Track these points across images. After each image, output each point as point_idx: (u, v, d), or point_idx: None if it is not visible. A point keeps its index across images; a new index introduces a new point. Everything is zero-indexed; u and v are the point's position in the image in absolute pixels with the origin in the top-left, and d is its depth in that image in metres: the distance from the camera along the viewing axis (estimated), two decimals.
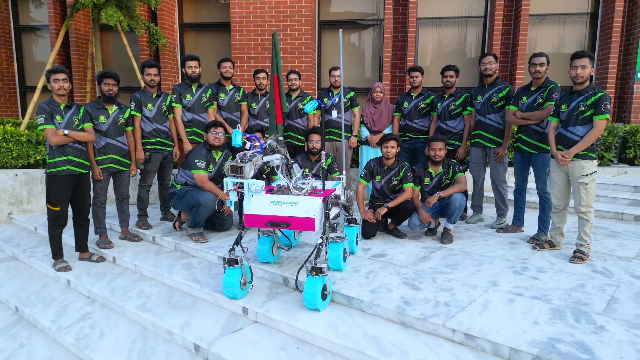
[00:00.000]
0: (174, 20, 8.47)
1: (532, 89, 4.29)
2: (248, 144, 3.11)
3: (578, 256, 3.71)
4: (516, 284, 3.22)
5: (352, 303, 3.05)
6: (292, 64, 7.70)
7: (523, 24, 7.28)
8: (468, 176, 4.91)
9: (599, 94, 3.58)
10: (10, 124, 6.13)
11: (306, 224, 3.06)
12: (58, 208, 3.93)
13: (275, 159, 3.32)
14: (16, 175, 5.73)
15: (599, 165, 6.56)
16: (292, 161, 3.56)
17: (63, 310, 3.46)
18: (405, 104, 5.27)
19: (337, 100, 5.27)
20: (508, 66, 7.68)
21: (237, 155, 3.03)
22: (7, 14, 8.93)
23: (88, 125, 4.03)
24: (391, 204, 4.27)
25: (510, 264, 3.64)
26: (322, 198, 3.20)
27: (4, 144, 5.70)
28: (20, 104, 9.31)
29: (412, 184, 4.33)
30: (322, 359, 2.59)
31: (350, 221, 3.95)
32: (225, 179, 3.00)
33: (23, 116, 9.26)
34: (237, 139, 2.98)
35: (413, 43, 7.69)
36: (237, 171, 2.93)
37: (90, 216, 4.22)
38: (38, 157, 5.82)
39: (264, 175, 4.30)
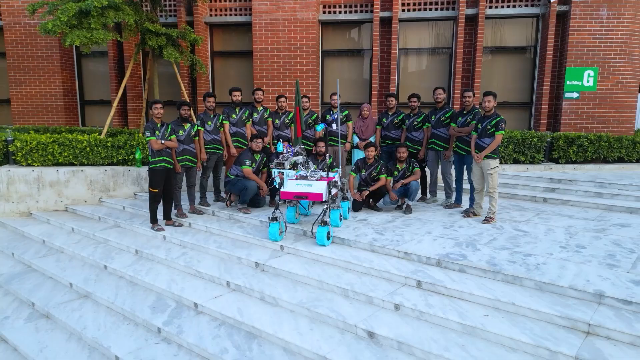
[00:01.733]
0: (207, 48, 10.68)
1: (465, 112, 6.50)
2: (284, 150, 5.33)
3: (487, 219, 5.93)
4: (442, 233, 5.43)
5: (344, 242, 5.26)
6: (302, 84, 9.91)
7: (478, 55, 9.51)
8: (427, 171, 7.15)
9: (498, 118, 5.80)
10: (97, 133, 8.35)
11: (317, 197, 5.27)
12: (156, 190, 6.14)
13: (299, 159, 5.53)
14: (105, 170, 7.95)
15: (531, 163, 8.78)
16: (309, 160, 5.78)
17: (170, 251, 5.68)
18: (384, 119, 7.48)
19: (335, 117, 7.47)
20: (469, 87, 9.90)
21: (279, 156, 5.25)
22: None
23: (173, 137, 6.23)
24: (371, 189, 6.48)
25: (443, 224, 5.87)
26: (326, 182, 5.42)
27: (95, 147, 7.93)
28: (80, 115, 11.53)
29: (385, 175, 6.53)
30: (327, 267, 4.81)
31: (344, 198, 6.16)
32: (273, 169, 5.22)
33: (83, 124, 11.48)
34: (280, 147, 5.21)
35: (395, 68, 9.92)
36: (281, 165, 5.15)
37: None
38: (120, 157, 8.04)
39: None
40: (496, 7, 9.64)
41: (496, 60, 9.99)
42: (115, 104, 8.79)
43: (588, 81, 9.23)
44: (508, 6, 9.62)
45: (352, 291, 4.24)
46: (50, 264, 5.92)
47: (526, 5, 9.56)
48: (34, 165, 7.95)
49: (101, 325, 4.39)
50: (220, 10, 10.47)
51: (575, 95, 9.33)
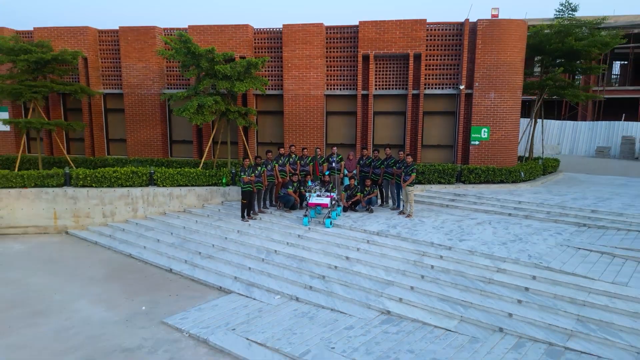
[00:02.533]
0: (254, 107, 16.96)
1: (399, 162, 12.80)
2: (311, 184, 11.67)
3: (408, 215, 12.23)
4: (384, 221, 11.73)
5: (339, 226, 11.57)
6: (313, 133, 16.17)
7: (420, 117, 15.81)
8: (383, 190, 13.52)
9: (413, 166, 12.11)
10: (190, 167, 14.66)
11: (325, 205, 11.61)
12: (245, 201, 12.44)
13: (316, 186, 11.88)
14: (205, 189, 14.26)
15: (448, 183, 15.06)
16: (322, 187, 12.10)
17: (255, 229, 11.97)
18: (360, 161, 13.77)
19: (334, 159, 13.73)
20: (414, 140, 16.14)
21: (308, 184, 11.60)
22: (164, 102, 17.36)
23: (252, 175, 12.50)
24: (352, 200, 12.78)
25: (386, 218, 12.17)
26: (329, 197, 11.74)
27: (200, 176, 14.22)
28: (170, 149, 17.81)
29: (359, 193, 12.81)
30: (330, 236, 11.11)
31: (339, 205, 12.48)
32: (307, 194, 11.56)
33: (171, 155, 17.75)
34: (309, 182, 11.55)
35: (371, 123, 16.21)
36: (311, 190, 11.49)
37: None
38: (212, 181, 14.34)
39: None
40: (431, 88, 15.95)
41: (432, 120, 16.27)
42: (206, 150, 15.11)
43: (484, 134, 15.52)
44: (438, 88, 15.92)
45: (340, 244, 10.55)
46: (196, 236, 12.21)
47: (449, 88, 15.86)
48: (166, 186, 14.25)
49: (235, 258, 10.68)
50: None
51: (477, 142, 15.61)
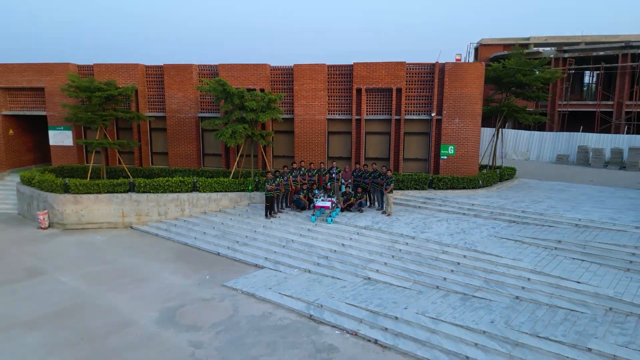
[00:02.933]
0: (271, 130, 21.33)
1: (381, 174, 17.22)
2: (317, 192, 16.12)
3: (388, 214, 16.67)
4: (370, 219, 16.17)
5: (337, 222, 16.01)
6: (316, 149, 20.57)
7: (401, 136, 20.22)
8: (371, 195, 17.99)
9: (392, 177, 16.55)
10: (221, 177, 19.09)
11: (327, 207, 16.06)
12: (268, 204, 16.89)
13: (321, 193, 16.31)
14: (236, 194, 18.70)
15: (422, 189, 19.46)
16: (324, 193, 16.53)
17: (276, 224, 16.42)
18: (354, 173, 18.18)
19: (335, 170, 18.13)
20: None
21: (314, 192, 16.04)
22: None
23: (273, 184, 16.92)
24: (347, 203, 17.22)
25: (372, 216, 16.61)
26: (330, 201, 16.18)
27: (231, 184, 18.65)
28: (202, 161, 22.21)
29: (353, 198, 17.25)
30: (331, 229, 15.55)
31: (337, 207, 16.92)
32: (314, 199, 16.00)
33: (203, 166, 22.14)
34: (316, 191, 16.00)
35: (363, 142, 20.61)
36: (317, 196, 15.93)
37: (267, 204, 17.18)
38: (241, 188, 18.77)
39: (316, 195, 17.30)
40: (410, 114, 20.35)
41: (410, 139, 20.68)
42: (235, 163, 19.54)
43: (451, 151, 19.93)
44: (415, 115, 20.32)
45: (338, 235, 15.00)
46: (233, 230, 16.66)
47: (423, 114, 20.26)
48: (205, 192, 18.69)
49: (264, 245, 15.13)
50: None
51: (445, 157, 20.03)
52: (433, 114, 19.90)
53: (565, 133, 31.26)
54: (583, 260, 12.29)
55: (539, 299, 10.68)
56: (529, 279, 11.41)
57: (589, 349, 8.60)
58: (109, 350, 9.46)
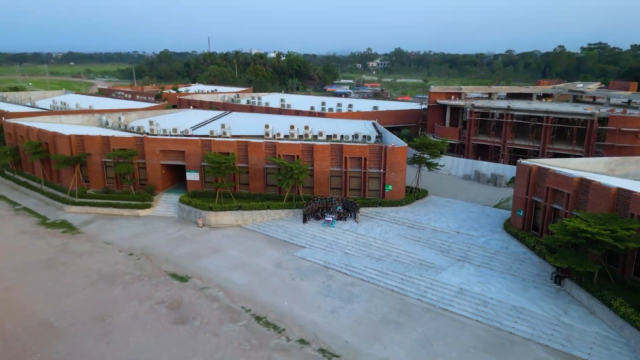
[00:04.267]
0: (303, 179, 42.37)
1: (355, 200, 38.55)
2: (326, 211, 37.61)
3: (356, 221, 38.18)
4: (348, 226, 37.66)
5: (335, 227, 37.48)
6: (324, 185, 41.70)
7: (366, 179, 41.42)
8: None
9: (358, 203, 37.95)
10: (277, 200, 40.44)
11: (330, 220, 37.57)
12: (304, 216, 38.29)
13: (327, 213, 37.80)
14: (288, 210, 40.09)
15: (374, 207, 40.87)
16: (329, 213, 37.96)
17: (305, 226, 37.94)
18: (342, 199, 39.46)
19: (334, 200, 39.34)
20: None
21: (324, 212, 37.55)
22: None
23: (308, 206, 38.27)
24: (340, 217, 38.65)
25: (350, 225, 38.14)
26: (332, 217, 37.64)
27: (280, 205, 40.00)
28: (265, 190, 43.39)
29: (342, 214, 38.61)
30: (334, 232, 37.05)
31: (335, 219, 38.36)
32: (325, 214, 37.50)
33: (266, 191, 43.36)
34: (325, 211, 37.51)
35: (347, 183, 41.80)
36: (325, 214, 37.43)
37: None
38: (289, 207, 40.13)
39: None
40: (371, 169, 41.41)
41: (372, 180, 41.83)
42: (287, 194, 40.89)
43: (390, 187, 41.12)
44: (373, 169, 41.38)
45: (335, 234, 36.55)
46: (289, 228, 38.09)
47: (377, 169, 41.31)
48: (273, 209, 39.99)
49: (304, 237, 36.71)
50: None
51: (388, 190, 41.26)
52: (381, 170, 40.95)
53: (470, 160, 52.23)
54: (425, 246, 33.97)
55: (402, 259, 32.39)
56: (401, 252, 33.09)
57: (406, 276, 30.32)
58: (269, 273, 31.04)
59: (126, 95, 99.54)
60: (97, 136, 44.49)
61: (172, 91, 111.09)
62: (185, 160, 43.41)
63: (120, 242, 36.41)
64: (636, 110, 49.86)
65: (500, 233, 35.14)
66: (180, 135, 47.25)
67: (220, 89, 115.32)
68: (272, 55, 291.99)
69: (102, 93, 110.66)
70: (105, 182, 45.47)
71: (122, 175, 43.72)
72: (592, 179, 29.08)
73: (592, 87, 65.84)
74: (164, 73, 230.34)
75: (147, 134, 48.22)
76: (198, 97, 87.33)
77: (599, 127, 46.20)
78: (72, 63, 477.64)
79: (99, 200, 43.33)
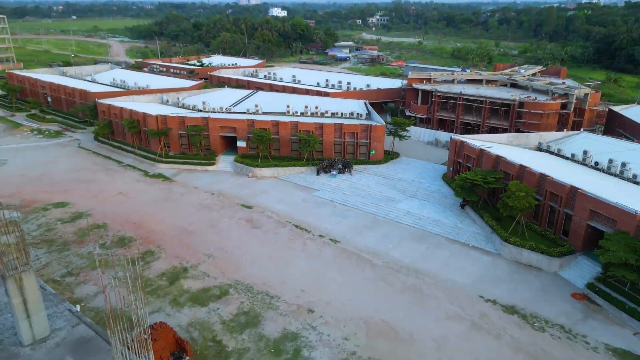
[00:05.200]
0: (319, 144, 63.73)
1: (350, 160, 60.31)
2: (332, 169, 59.46)
3: (351, 174, 60.01)
4: (346, 177, 59.53)
5: (337, 178, 59.34)
6: (330, 150, 63.20)
7: (358, 145, 62.89)
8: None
9: (351, 162, 59.76)
10: (299, 160, 62.18)
11: (334, 173, 59.48)
12: (317, 170, 60.12)
13: (332, 169, 59.65)
14: (306, 167, 61.89)
15: (363, 164, 62.57)
16: (333, 168, 59.79)
17: (322, 178, 59.84)
18: (342, 160, 61.12)
19: (336, 160, 60.90)
20: None
21: (331, 169, 59.40)
22: None
23: (320, 163, 59.97)
24: (340, 171, 60.49)
25: (347, 176, 60.08)
26: (336, 171, 59.50)
27: (301, 163, 61.76)
28: (290, 153, 64.97)
29: (341, 169, 60.36)
30: (335, 180, 58.94)
31: (337, 173, 60.18)
32: (331, 170, 59.35)
33: (290, 154, 64.87)
34: (332, 168, 59.35)
35: (345, 148, 63.23)
36: (331, 169, 59.30)
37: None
38: (307, 164, 61.91)
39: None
40: (360, 140, 62.75)
41: (360, 147, 63.24)
42: (306, 155, 62.51)
43: (373, 152, 62.60)
44: (362, 140, 62.69)
45: (336, 182, 58.51)
46: (308, 178, 59.98)
47: (364, 140, 62.65)
48: (297, 167, 61.67)
49: (317, 184, 58.67)
50: None
51: (372, 153, 62.77)
52: (367, 140, 62.24)
53: (433, 130, 73.29)
54: (391, 189, 56.02)
55: (376, 196, 54.52)
56: (377, 192, 55.21)
57: (378, 205, 52.55)
58: (298, 204, 53.22)
59: (161, 69, 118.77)
60: (176, 116, 65.41)
61: (197, 63, 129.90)
62: (236, 133, 64.52)
63: (203, 187, 58.33)
64: (546, 95, 70.38)
65: (439, 181, 57.11)
66: (230, 113, 68.33)
67: (239, 62, 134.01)
68: (274, 13, 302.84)
69: (139, 66, 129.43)
70: (181, 147, 66.77)
71: (194, 143, 65.02)
72: (486, 149, 50.50)
73: (533, 71, 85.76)
74: (174, 34, 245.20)
75: (203, 110, 69.12)
76: (225, 74, 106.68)
77: (518, 109, 67.06)
78: (74, 17, 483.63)
79: (179, 160, 64.93)
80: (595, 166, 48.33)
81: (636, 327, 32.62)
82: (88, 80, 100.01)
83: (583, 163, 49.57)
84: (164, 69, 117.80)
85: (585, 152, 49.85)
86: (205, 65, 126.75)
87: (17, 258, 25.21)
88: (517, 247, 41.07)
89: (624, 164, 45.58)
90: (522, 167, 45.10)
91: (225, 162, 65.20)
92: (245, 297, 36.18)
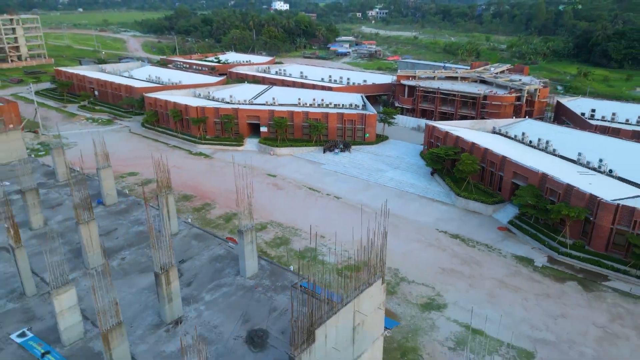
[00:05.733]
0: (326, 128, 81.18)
1: (349, 142, 77.86)
2: (335, 148, 77.06)
3: (349, 152, 77.60)
4: (347, 154, 77.16)
5: (339, 155, 76.91)
6: (334, 134, 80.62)
7: (356, 130, 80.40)
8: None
9: (350, 143, 77.37)
10: (309, 142, 79.77)
11: (336, 151, 77.09)
12: (324, 149, 77.70)
13: (336, 148, 77.20)
14: (314, 147, 79.50)
15: (359, 145, 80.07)
16: (335, 147, 77.36)
17: (329, 156, 77.47)
18: (343, 141, 78.63)
19: (338, 141, 78.33)
20: None
21: (335, 149, 77.04)
22: None
23: (327, 144, 77.54)
24: (341, 149, 78.03)
25: (347, 154, 77.64)
26: (339, 149, 77.05)
27: (310, 144, 79.37)
28: (302, 136, 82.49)
29: (342, 148, 77.86)
30: (340, 157, 76.52)
31: (339, 151, 77.72)
32: (335, 149, 76.93)
33: (302, 136, 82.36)
34: (335, 148, 76.98)
35: (345, 132, 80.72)
36: (335, 148, 76.91)
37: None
38: (315, 145, 79.44)
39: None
40: (356, 125, 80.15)
41: (357, 131, 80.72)
42: (315, 138, 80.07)
43: (367, 135, 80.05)
44: (358, 125, 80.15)
45: (340, 158, 76.13)
46: (316, 155, 77.50)
47: (360, 126, 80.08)
48: (307, 147, 79.17)
49: (323, 159, 76.34)
50: None
51: (367, 136, 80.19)
52: (363, 126, 79.64)
53: (417, 118, 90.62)
54: (381, 162, 73.68)
55: (369, 168, 72.23)
56: (370, 165, 72.89)
57: (370, 174, 70.27)
58: (311, 174, 70.88)
59: (184, 66, 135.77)
60: (212, 107, 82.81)
61: (215, 60, 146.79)
62: (260, 120, 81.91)
63: (237, 162, 75.88)
64: (505, 90, 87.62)
65: (417, 157, 74.78)
66: (253, 105, 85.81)
67: (251, 58, 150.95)
68: (277, 6, 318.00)
69: (164, 63, 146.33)
70: (215, 132, 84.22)
71: (227, 128, 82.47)
72: (450, 132, 67.90)
73: (501, 69, 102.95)
74: (184, 29, 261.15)
75: (231, 102, 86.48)
76: (242, 71, 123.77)
77: (482, 101, 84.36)
78: (80, 9, 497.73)
79: (215, 142, 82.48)
80: (529, 144, 65.89)
81: (533, 244, 50.44)
82: (125, 76, 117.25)
83: (522, 142, 67.08)
84: (187, 66, 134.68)
85: (523, 134, 67.40)
86: (222, 62, 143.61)
87: (162, 188, 42.48)
88: (466, 199, 58.80)
89: (547, 142, 63.15)
90: (473, 144, 62.62)
91: (251, 143, 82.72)
92: (278, 229, 54.06)
